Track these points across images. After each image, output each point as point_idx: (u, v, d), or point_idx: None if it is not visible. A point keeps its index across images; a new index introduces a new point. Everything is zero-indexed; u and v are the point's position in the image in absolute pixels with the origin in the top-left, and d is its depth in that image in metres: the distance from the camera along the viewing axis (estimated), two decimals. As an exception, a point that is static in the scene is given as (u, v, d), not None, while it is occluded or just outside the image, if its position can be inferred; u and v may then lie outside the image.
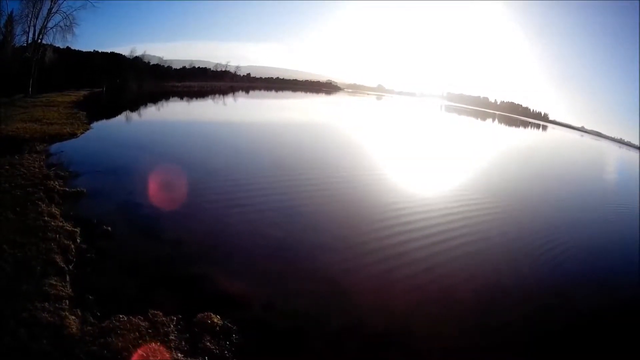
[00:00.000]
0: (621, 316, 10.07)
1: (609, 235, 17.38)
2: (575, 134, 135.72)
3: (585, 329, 9.18)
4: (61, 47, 47.70)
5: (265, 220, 12.91)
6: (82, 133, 23.67)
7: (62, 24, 41.30)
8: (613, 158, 71.16)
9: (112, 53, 70.37)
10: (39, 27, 40.17)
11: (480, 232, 14.24)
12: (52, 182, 13.50)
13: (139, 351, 6.37)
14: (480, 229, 14.58)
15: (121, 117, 36.66)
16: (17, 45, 40.52)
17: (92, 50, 66.41)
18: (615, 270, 13.22)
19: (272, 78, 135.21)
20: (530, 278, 11.19)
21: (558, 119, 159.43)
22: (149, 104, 51.46)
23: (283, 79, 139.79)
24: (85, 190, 13.23)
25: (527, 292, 10.31)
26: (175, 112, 47.35)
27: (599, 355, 8.33)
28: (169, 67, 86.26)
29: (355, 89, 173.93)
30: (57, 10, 40.81)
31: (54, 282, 7.81)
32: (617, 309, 10.47)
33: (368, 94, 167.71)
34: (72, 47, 54.60)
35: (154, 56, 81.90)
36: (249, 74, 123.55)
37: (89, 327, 6.70)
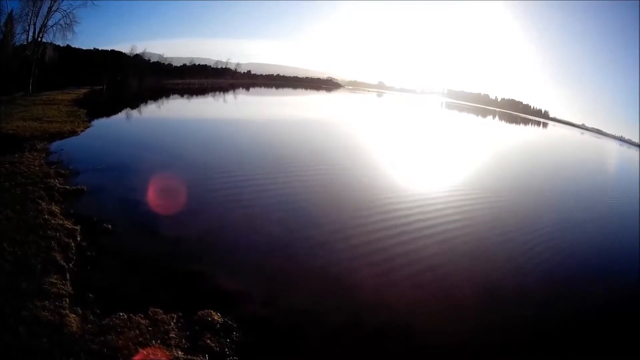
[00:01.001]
0: (621, 313, 10.07)
1: (608, 231, 17.37)
2: (576, 131, 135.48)
3: (583, 327, 9.18)
4: (61, 45, 47.70)
5: (265, 217, 12.93)
6: (82, 131, 23.67)
7: (62, 22, 41.29)
8: (613, 155, 71.07)
9: (113, 51, 70.37)
10: (39, 26, 40.16)
11: (480, 228, 14.24)
12: (52, 180, 13.51)
13: (139, 349, 6.38)
14: (480, 225, 14.58)
15: (122, 115, 36.65)
16: (17, 43, 40.52)
17: (92, 48, 66.42)
18: (615, 266, 13.22)
19: (272, 75, 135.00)
20: (529, 274, 11.21)
21: (559, 116, 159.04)
22: (149, 101, 51.42)
23: (283, 76, 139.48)
24: (85, 188, 13.23)
25: (526, 288, 10.32)
26: (175, 109, 47.29)
27: (597, 354, 8.32)
28: (170, 65, 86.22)
29: (356, 85, 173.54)
30: (57, 9, 40.80)
31: (54, 280, 7.81)
32: (617, 305, 10.48)
33: (369, 91, 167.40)
34: (72, 45, 54.60)
35: (154, 53, 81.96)
36: (249, 71, 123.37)
37: (89, 325, 6.71)
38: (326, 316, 8.11)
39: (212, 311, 7.53)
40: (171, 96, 61.21)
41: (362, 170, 21.50)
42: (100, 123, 28.83)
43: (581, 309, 9.90)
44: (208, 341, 6.84)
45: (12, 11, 39.17)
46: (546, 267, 11.93)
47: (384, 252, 11.29)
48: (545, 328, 8.69)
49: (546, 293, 10.31)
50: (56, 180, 13.53)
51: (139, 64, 73.27)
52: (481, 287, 10.11)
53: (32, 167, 14.73)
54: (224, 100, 65.19)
